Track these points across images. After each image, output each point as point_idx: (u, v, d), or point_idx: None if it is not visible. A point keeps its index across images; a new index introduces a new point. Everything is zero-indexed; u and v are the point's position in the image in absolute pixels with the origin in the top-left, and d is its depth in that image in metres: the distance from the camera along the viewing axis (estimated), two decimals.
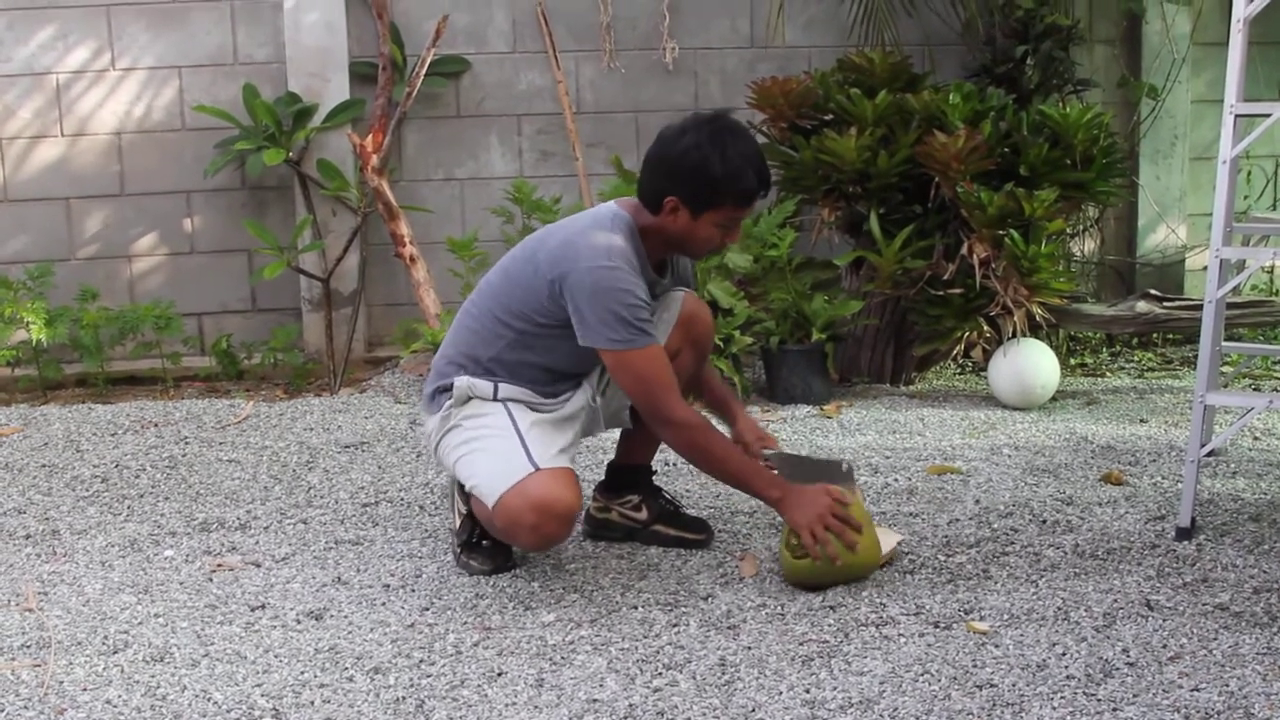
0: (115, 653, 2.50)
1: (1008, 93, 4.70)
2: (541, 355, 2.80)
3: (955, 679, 2.31)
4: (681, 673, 2.37)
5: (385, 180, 4.98)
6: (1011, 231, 4.33)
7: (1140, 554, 2.92)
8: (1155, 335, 5.26)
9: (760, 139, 4.25)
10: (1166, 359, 5.15)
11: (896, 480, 3.54)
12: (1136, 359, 5.17)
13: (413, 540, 3.15)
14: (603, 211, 2.80)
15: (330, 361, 4.92)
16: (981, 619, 2.58)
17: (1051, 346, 4.60)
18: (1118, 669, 2.34)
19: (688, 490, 3.45)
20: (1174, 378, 4.86)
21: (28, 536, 3.22)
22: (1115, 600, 2.65)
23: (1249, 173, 5.42)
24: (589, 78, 5.29)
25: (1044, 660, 2.38)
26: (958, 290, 4.46)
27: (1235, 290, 4.00)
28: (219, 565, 3.00)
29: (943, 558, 2.93)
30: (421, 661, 2.44)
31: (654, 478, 3.14)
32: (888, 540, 2.90)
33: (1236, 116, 2.99)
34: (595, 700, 2.27)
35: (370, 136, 4.95)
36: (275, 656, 2.48)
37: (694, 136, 2.70)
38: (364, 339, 5.21)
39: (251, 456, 3.92)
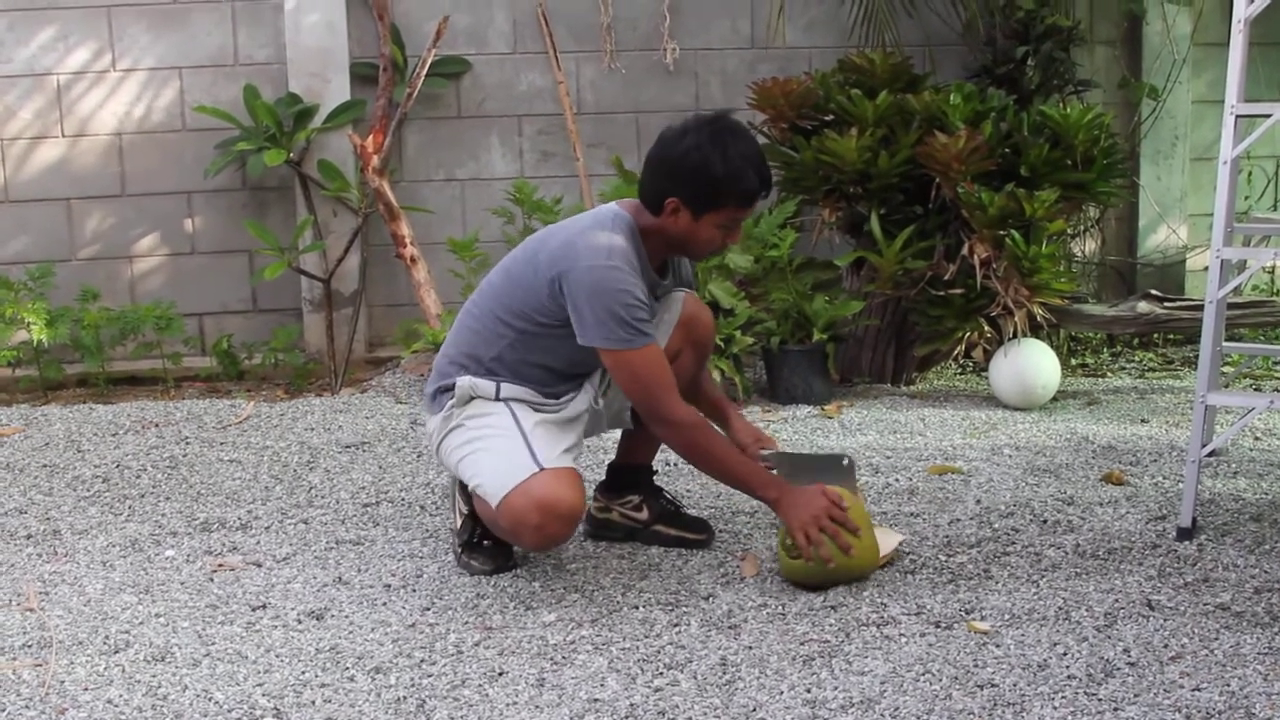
0: (116, 652, 2.50)
1: (1008, 93, 4.70)
2: (542, 355, 2.81)
3: (956, 679, 2.31)
4: (682, 672, 2.37)
5: (386, 181, 4.98)
6: (1012, 232, 4.33)
7: (1141, 554, 2.92)
8: (1156, 335, 5.26)
9: (761, 140, 4.26)
10: (1167, 359, 5.15)
11: (897, 480, 3.54)
12: (1137, 359, 5.17)
13: (414, 540, 3.15)
14: (604, 212, 2.81)
15: (331, 362, 4.92)
16: (982, 619, 2.58)
17: (1052, 347, 4.60)
18: (1119, 669, 2.34)
19: (688, 490, 3.45)
20: (1175, 378, 4.86)
21: (29, 536, 3.22)
22: (1116, 600, 2.65)
23: (1250, 173, 5.43)
24: (590, 78, 5.30)
25: (1045, 660, 2.38)
26: (958, 291, 4.46)
27: (1236, 290, 4.00)
28: (220, 565, 3.00)
29: (944, 558, 2.93)
30: (422, 661, 2.44)
31: (655, 478, 3.14)
32: (889, 540, 2.90)
33: (1237, 117, 2.99)
34: (596, 700, 2.27)
35: (371, 137, 4.95)
36: (276, 656, 2.48)
37: (695, 137, 2.70)
38: (365, 339, 5.21)
39: (252, 456, 3.92)
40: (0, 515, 3.39)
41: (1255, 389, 4.60)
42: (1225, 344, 3.69)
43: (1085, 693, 2.25)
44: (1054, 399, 4.46)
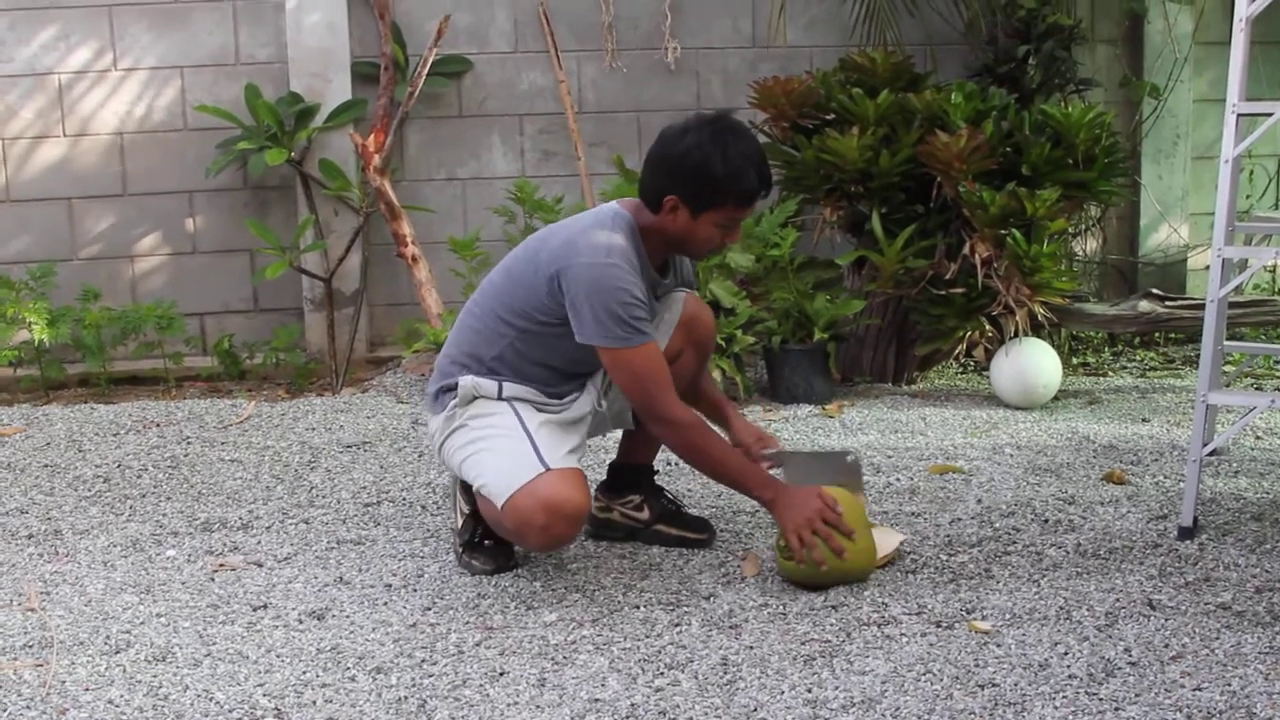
0: (117, 652, 2.50)
1: (1010, 92, 4.70)
2: (544, 354, 2.80)
3: (957, 678, 2.31)
4: (683, 672, 2.37)
5: (387, 180, 4.98)
6: (1013, 231, 4.33)
7: (1142, 553, 2.92)
8: (1157, 335, 5.26)
9: (762, 139, 4.25)
10: (1168, 358, 5.15)
11: (898, 480, 3.54)
12: (1138, 358, 5.17)
13: (415, 540, 3.15)
14: (604, 211, 2.81)
15: (332, 361, 4.92)
16: (983, 618, 2.58)
17: (1053, 346, 4.60)
18: (1120, 668, 2.34)
19: (689, 490, 3.45)
20: (1176, 377, 4.85)
21: (30, 536, 3.22)
22: (1117, 600, 2.65)
23: (1251, 172, 5.42)
24: (591, 77, 5.29)
25: (1046, 660, 2.38)
26: (960, 290, 4.46)
27: (1237, 289, 4.00)
28: (221, 565, 3.00)
29: (945, 557, 2.93)
30: (423, 661, 2.44)
31: (656, 477, 3.14)
32: (889, 540, 2.90)
33: (1239, 116, 2.99)
34: (597, 700, 2.27)
35: (372, 136, 4.95)
36: (277, 656, 2.48)
37: (695, 136, 2.69)
38: (366, 339, 5.21)
39: (253, 456, 3.92)
40: (1, 515, 3.39)
41: (1256, 388, 4.59)
42: (1226, 343, 3.68)
43: (1086, 692, 2.25)
44: (1055, 398, 4.46)
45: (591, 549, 3.06)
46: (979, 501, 3.33)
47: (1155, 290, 4.76)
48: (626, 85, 5.30)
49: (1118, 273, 5.49)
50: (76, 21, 5.03)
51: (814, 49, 5.32)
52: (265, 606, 2.73)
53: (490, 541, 2.90)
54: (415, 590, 2.81)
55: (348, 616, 2.67)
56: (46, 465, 3.85)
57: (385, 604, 2.74)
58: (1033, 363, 4.37)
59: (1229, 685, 2.25)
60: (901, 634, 2.51)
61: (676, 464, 3.58)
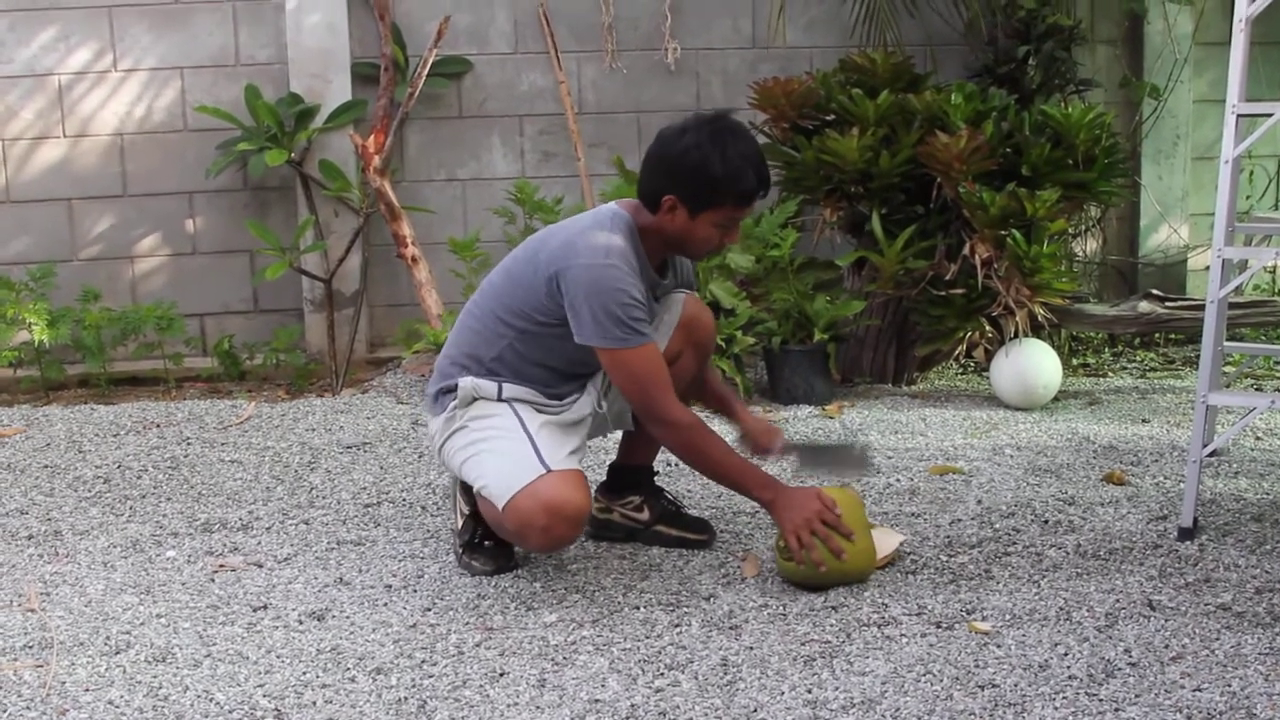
0: (117, 653, 2.50)
1: (1010, 93, 4.70)
2: (543, 355, 2.80)
3: (957, 679, 2.31)
4: (684, 673, 2.37)
5: (387, 181, 4.98)
6: (1014, 232, 4.33)
7: (1142, 554, 2.92)
8: (1157, 335, 5.26)
9: (762, 139, 4.26)
10: (1168, 359, 5.15)
11: (898, 480, 3.54)
12: (1138, 359, 5.17)
13: (415, 541, 3.15)
14: (604, 212, 2.81)
15: (332, 362, 4.92)
16: (984, 619, 2.58)
17: (1053, 347, 4.60)
18: (1120, 669, 2.34)
19: (689, 490, 3.45)
20: (1176, 378, 4.85)
21: (30, 537, 3.22)
22: (1117, 600, 2.65)
23: (1251, 172, 5.42)
24: (591, 78, 5.30)
25: (1046, 660, 2.38)
26: (960, 290, 4.46)
27: (1237, 290, 4.00)
28: (221, 566, 3.00)
29: (945, 558, 2.93)
30: (424, 662, 2.44)
31: (656, 478, 3.14)
32: (889, 541, 2.90)
33: (1238, 116, 2.99)
34: (597, 701, 2.27)
35: (372, 137, 4.95)
36: (277, 657, 2.48)
37: (694, 136, 2.69)
38: (366, 340, 5.21)
39: (253, 457, 3.92)
40: (2, 516, 3.39)
41: (1256, 389, 4.59)
42: (1226, 344, 3.68)
43: (1086, 693, 2.25)
44: (1055, 399, 4.46)
45: (591, 550, 3.06)
46: (979, 502, 3.33)
47: (1155, 291, 4.76)
48: (626, 86, 5.30)
49: (1118, 273, 5.49)
50: (76, 22, 5.03)
51: (814, 49, 5.32)
52: (265, 607, 2.73)
53: (490, 542, 2.90)
54: (415, 591, 2.81)
55: (348, 617, 2.67)
56: (46, 466, 3.85)
57: (385, 605, 2.74)
58: (1033, 363, 4.37)
59: (1229, 686, 2.25)
60: (901, 635, 2.51)
61: (676, 465, 3.58)
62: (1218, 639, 2.45)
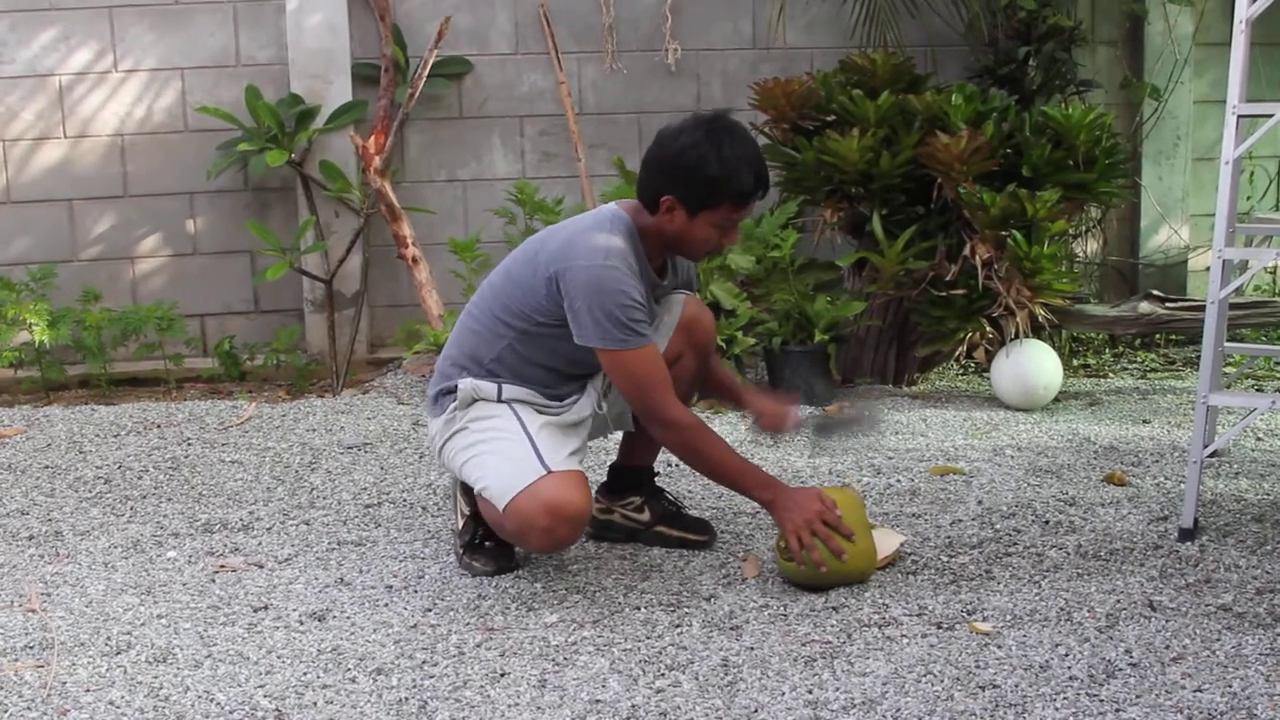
0: (118, 654, 2.50)
1: (1010, 94, 4.70)
2: (543, 355, 2.80)
3: (958, 680, 2.31)
4: (684, 673, 2.37)
5: (388, 181, 4.98)
6: (1014, 232, 4.33)
7: (1143, 555, 2.92)
8: (1158, 336, 5.26)
9: (763, 140, 4.26)
10: (1169, 360, 5.15)
11: (899, 481, 3.54)
12: (1139, 360, 5.17)
13: (415, 541, 3.15)
14: (603, 212, 2.81)
15: (333, 363, 4.92)
16: (984, 620, 2.58)
17: (1054, 347, 4.60)
18: (1120, 670, 2.34)
19: (690, 491, 3.45)
20: (1176, 378, 4.85)
21: (31, 538, 3.23)
22: (1118, 601, 2.65)
23: (1251, 173, 5.42)
24: (591, 79, 5.30)
25: (1047, 661, 2.38)
26: (960, 291, 4.46)
27: (1238, 291, 3.99)
28: (222, 566, 3.00)
29: (945, 558, 2.93)
30: (424, 662, 2.45)
31: (656, 479, 3.14)
32: (890, 541, 2.90)
33: (1239, 117, 2.99)
34: (598, 701, 2.27)
35: (373, 138, 4.95)
36: (278, 657, 2.48)
37: (692, 136, 2.69)
38: (366, 340, 5.21)
39: (254, 458, 3.92)
40: (2, 516, 3.39)
41: (1257, 389, 4.59)
42: (1227, 344, 3.68)
43: (1087, 694, 2.25)
44: (1055, 400, 4.46)
45: (592, 550, 3.06)
46: (979, 503, 3.33)
47: (1156, 292, 4.76)
48: (627, 87, 5.30)
49: (1118, 274, 5.49)
50: (77, 23, 5.03)
51: (814, 50, 5.32)
52: (266, 608, 2.73)
53: (491, 543, 2.90)
54: (416, 591, 2.81)
55: (348, 618, 2.67)
56: (47, 466, 3.85)
57: (386, 605, 2.74)
58: (1033, 364, 4.37)
59: (1230, 687, 2.25)
60: (902, 635, 2.51)
61: (677, 465, 3.58)
62: (1218, 640, 2.45)
